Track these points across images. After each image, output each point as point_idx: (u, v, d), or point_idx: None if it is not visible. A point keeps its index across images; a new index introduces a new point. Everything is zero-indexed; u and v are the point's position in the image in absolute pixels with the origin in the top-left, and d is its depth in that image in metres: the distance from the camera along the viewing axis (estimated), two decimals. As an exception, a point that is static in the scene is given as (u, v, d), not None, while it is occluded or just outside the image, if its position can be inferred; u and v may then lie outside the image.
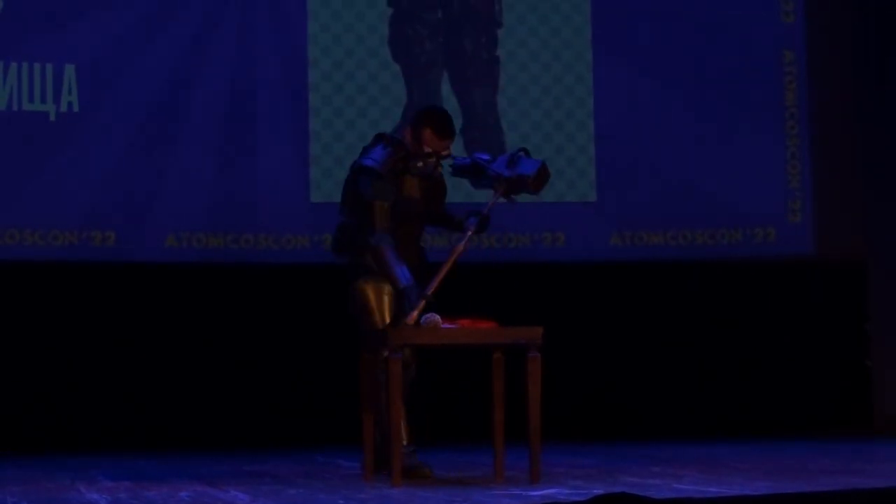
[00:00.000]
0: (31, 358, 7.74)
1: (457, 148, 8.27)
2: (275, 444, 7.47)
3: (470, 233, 5.55)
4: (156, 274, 7.97)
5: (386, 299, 5.53)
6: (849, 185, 8.63)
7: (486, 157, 5.80)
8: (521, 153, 5.67)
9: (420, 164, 5.61)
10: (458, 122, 8.28)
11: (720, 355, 8.37)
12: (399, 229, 5.56)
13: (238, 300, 8.07)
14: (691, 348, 8.33)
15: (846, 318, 8.63)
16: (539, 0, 8.53)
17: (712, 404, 8.28)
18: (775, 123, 8.60)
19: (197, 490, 4.96)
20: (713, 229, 8.47)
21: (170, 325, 7.94)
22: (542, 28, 8.53)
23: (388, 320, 5.47)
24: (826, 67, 8.66)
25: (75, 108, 7.94)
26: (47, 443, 7.45)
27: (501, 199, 5.66)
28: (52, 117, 7.91)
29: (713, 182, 8.47)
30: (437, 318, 5.25)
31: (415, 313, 5.24)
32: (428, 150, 5.59)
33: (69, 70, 7.94)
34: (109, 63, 8.00)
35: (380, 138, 5.71)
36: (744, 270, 8.51)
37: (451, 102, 8.39)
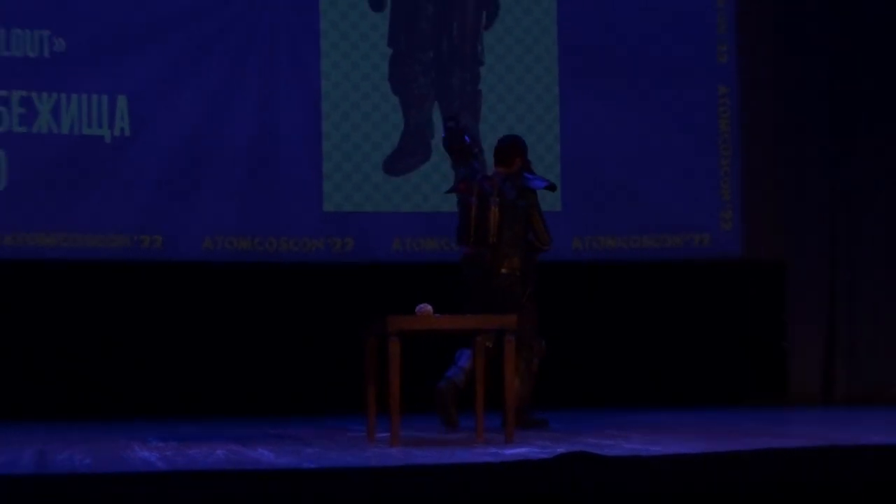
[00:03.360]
0: (93, 341, 7.78)
1: (444, 165, 8.39)
2: (295, 412, 7.50)
3: None
4: (195, 271, 8.03)
5: None
6: (771, 198, 8.69)
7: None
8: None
9: None
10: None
11: (664, 339, 8.41)
12: None
13: (262, 292, 8.11)
14: (641, 334, 8.37)
15: (767, 309, 8.68)
16: (514, 42, 8.55)
17: (656, 379, 8.32)
18: (711, 146, 8.64)
19: (230, 448, 5.03)
20: (658, 235, 8.51)
21: (207, 313, 7.97)
22: (517, 66, 8.56)
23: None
24: (753, 99, 8.70)
25: (126, 133, 7.95)
26: (108, 410, 7.50)
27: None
28: (108, 140, 7.93)
29: (659, 195, 8.52)
30: (430, 307, 5.31)
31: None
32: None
33: (121, 100, 7.95)
34: (155, 94, 8.01)
35: (524, 168, 6.15)
36: (683, 270, 8.56)
37: (440, 129, 8.42)
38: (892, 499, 3.11)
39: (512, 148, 6.19)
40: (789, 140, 8.71)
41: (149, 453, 4.86)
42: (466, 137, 6.32)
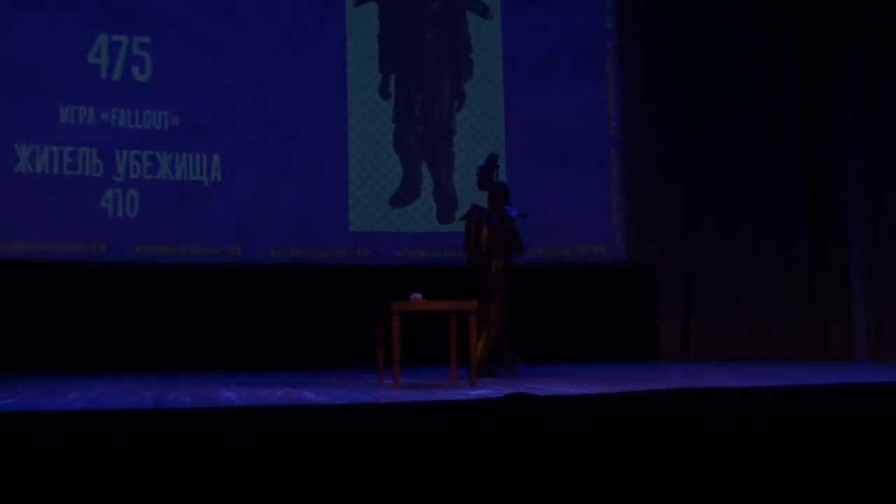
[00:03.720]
0: (193, 316, 7.71)
1: (430, 201, 8.34)
2: (327, 366, 7.41)
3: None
4: (264, 271, 7.93)
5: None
6: (646, 223, 8.70)
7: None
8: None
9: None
10: (429, 189, 8.37)
11: (576, 316, 8.39)
12: None
13: (308, 283, 8.02)
14: (560, 313, 8.32)
15: (644, 296, 8.67)
16: (476, 120, 8.54)
17: (570, 344, 8.28)
18: (605, 190, 8.62)
19: (286, 391, 4.96)
20: (571, 247, 8.49)
21: (271, 298, 7.90)
22: (477, 134, 8.55)
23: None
24: (634, 160, 8.72)
25: (219, 179, 7.90)
26: (202, 364, 7.40)
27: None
28: (206, 184, 7.87)
29: (572, 222, 8.50)
30: (420, 295, 5.28)
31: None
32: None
33: (216, 158, 7.90)
34: (238, 154, 7.96)
35: (506, 203, 6.30)
36: (588, 270, 8.53)
37: (427, 178, 8.43)
38: (728, 429, 3.07)
39: (498, 192, 6.38)
40: (657, 187, 8.73)
41: (230, 394, 4.80)
42: (496, 174, 6.44)
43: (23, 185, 7.43)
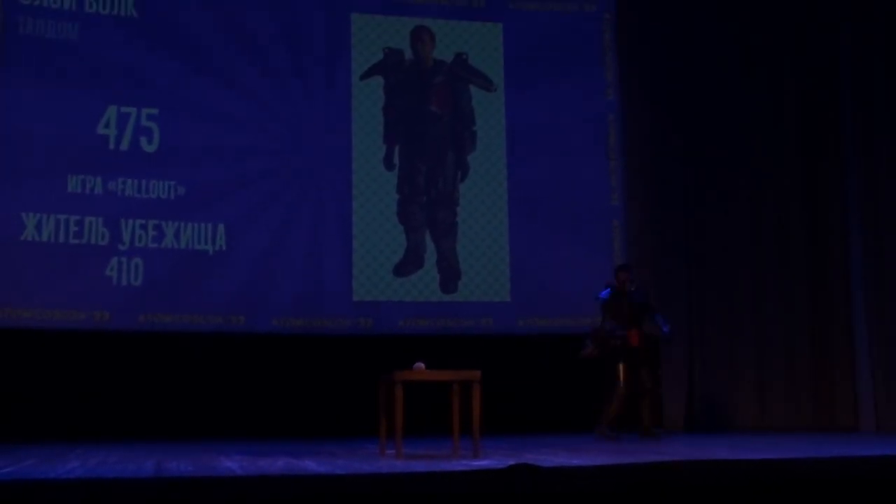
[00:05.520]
0: (195, 385, 7.68)
1: (433, 271, 8.37)
2: (329, 435, 7.34)
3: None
4: (266, 340, 7.91)
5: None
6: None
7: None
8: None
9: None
10: (433, 259, 8.40)
11: (578, 386, 8.26)
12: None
13: (311, 352, 7.99)
14: (562, 383, 8.23)
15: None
16: (479, 191, 8.60)
17: (573, 414, 8.18)
18: (608, 260, 8.60)
19: (287, 460, 4.91)
20: (573, 316, 8.39)
21: (273, 368, 7.87)
22: (480, 205, 8.60)
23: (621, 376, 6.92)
24: (636, 230, 8.75)
25: (224, 248, 7.94)
26: (203, 432, 7.33)
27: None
28: (211, 253, 7.90)
29: (574, 292, 8.45)
30: (423, 364, 5.27)
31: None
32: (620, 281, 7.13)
33: (220, 227, 7.94)
34: (242, 224, 8.01)
35: (628, 279, 7.20)
36: (583, 337, 8.51)
37: (430, 248, 8.46)
38: (734, 495, 3.05)
39: (620, 269, 7.26)
40: (657, 258, 8.73)
41: (231, 463, 4.75)
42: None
43: (28, 254, 7.48)
